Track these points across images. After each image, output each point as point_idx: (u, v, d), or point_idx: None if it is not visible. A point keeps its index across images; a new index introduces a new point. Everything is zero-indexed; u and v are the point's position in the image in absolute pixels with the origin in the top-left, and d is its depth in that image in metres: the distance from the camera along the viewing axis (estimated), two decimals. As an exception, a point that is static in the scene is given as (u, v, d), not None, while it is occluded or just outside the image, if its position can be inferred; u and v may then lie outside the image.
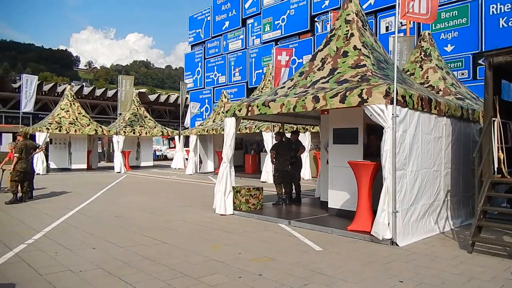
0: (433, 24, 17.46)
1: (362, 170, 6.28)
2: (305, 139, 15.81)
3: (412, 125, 6.13)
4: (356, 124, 7.38)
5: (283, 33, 25.53)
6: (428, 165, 6.56)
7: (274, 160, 9.47)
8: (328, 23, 22.10)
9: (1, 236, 6.23)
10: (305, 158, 16.02)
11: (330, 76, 7.31)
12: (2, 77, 37.05)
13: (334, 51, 7.73)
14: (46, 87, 38.32)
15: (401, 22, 16.92)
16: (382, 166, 5.76)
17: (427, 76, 9.88)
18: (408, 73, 10.05)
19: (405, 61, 12.62)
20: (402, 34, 16.44)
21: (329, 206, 8.03)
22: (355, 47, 7.42)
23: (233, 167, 8.68)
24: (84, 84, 47.34)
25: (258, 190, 8.76)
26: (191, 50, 33.82)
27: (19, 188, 10.04)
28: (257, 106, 7.68)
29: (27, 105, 21.54)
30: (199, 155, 20.72)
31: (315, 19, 23.88)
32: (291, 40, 24.76)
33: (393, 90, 5.69)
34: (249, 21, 28.19)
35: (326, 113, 8.44)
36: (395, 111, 5.68)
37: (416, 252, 5.42)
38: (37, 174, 18.47)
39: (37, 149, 10.76)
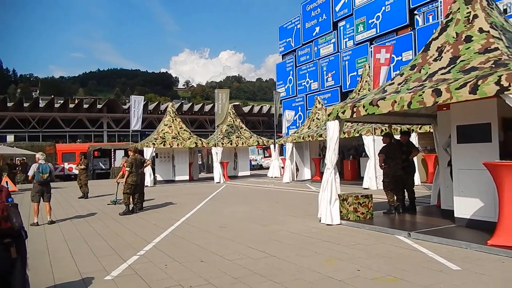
0: None
1: (506, 172, 5.15)
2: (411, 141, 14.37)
3: None
4: (488, 118, 6.20)
5: (378, 31, 24.05)
6: None
7: (383, 164, 8.55)
8: (430, 15, 20.25)
9: (116, 246, 6.45)
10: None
11: (452, 66, 6.29)
12: (115, 100, 41.37)
13: (454, 37, 6.68)
14: (151, 107, 41.83)
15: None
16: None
17: None
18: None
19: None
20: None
21: (455, 215, 6.89)
22: (481, 30, 6.31)
23: (337, 173, 8.04)
24: (183, 102, 50.58)
25: (367, 198, 7.97)
26: (282, 59, 33.83)
27: (131, 200, 10.63)
28: (364, 106, 6.96)
29: (136, 123, 23.32)
30: (296, 163, 20.30)
31: (415, 11, 22.02)
32: (388, 38, 23.17)
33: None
34: (341, 24, 27.18)
35: (445, 108, 7.37)
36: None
37: None
38: (146, 186, 19.88)
39: (145, 163, 11.33)
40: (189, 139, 21.95)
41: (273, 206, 11.09)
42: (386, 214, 8.35)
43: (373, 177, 14.77)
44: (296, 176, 20.26)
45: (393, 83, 7.24)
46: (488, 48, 5.93)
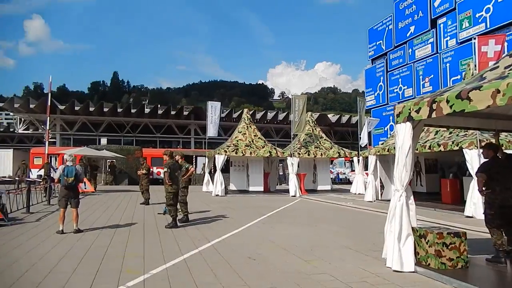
0: None
1: None
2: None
3: None
4: None
5: (488, 26, 20.00)
6: None
7: (484, 188, 5.90)
8: None
9: (100, 275, 5.08)
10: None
11: None
12: (200, 107, 42.12)
13: None
14: (235, 115, 41.63)
15: None
16: None
17: None
18: None
19: None
20: None
21: None
22: None
23: (412, 197, 5.71)
24: (268, 111, 49.71)
25: (458, 237, 5.44)
26: (372, 64, 30.71)
27: (178, 211, 9.48)
28: (448, 101, 4.64)
29: (212, 129, 22.59)
30: (380, 179, 17.46)
31: (539, -2, 17.74)
32: (500, 33, 19.07)
33: None
34: (441, 21, 23.44)
35: None
36: None
37: None
38: (216, 195, 18.95)
39: (188, 171, 10.08)
40: (263, 147, 20.55)
41: (337, 231, 8.92)
42: (491, 263, 5.69)
43: (478, 202, 11.53)
44: (381, 195, 17.39)
45: (497, 67, 4.75)
46: None
